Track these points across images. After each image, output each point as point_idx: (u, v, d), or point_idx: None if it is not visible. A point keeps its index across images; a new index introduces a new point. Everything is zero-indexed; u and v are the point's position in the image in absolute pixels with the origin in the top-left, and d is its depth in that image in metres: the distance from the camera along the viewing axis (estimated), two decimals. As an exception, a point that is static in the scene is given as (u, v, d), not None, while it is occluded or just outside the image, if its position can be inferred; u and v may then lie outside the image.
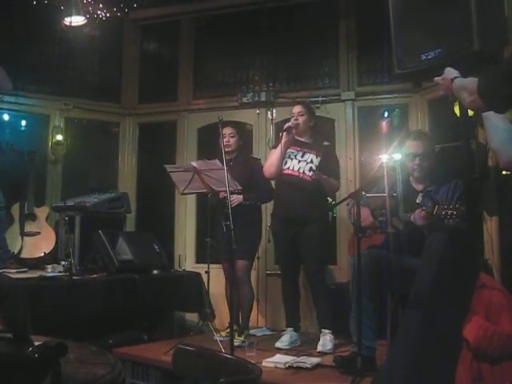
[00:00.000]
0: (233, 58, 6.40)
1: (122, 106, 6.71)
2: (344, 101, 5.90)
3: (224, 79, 6.44)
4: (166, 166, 4.05)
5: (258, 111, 6.14)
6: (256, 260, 5.72)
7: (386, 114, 5.89)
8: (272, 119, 6.03)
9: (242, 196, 4.60)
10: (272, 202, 4.86)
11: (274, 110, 6.04)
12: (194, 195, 6.11)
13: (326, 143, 4.65)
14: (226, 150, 4.60)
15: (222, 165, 3.76)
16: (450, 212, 3.00)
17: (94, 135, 6.64)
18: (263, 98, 6.06)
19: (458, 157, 3.74)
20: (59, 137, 6.13)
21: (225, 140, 4.66)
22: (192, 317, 5.73)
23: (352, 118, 5.88)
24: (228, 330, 4.55)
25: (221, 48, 6.46)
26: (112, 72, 6.74)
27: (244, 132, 5.06)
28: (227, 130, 4.77)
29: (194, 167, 3.91)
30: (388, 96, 5.76)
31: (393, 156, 3.76)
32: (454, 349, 2.26)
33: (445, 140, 4.67)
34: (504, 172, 4.89)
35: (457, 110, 5.10)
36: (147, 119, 6.71)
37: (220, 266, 5.00)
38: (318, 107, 5.83)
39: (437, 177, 3.78)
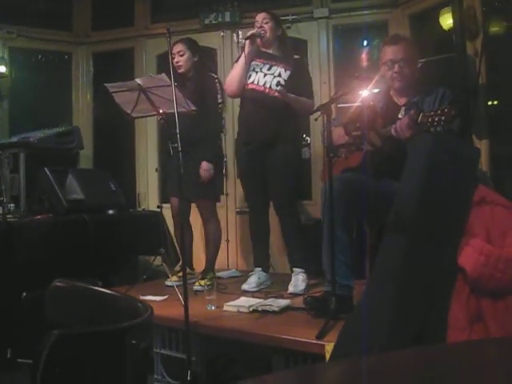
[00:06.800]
0: (193, -25, 5.75)
1: (74, 33, 6.08)
2: (317, 19, 5.32)
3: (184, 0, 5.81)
4: (106, 84, 3.47)
5: (222, 33, 5.56)
6: (225, 196, 5.28)
7: (365, 43, 5.38)
8: (238, 42, 5.45)
9: (210, 166, 4.09)
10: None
11: (240, 32, 5.43)
12: (155, 126, 5.68)
13: (296, 56, 4.08)
14: (179, 71, 4.12)
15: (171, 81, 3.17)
16: (437, 118, 2.47)
17: (44, 67, 6.03)
18: (228, 19, 5.47)
19: (447, 69, 3.27)
20: (2, 68, 5.53)
21: (174, 61, 4.10)
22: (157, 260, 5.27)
23: (326, 39, 5.33)
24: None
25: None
26: (61, -4, 6.04)
27: (199, 48, 4.45)
28: (176, 48, 4.17)
29: (139, 84, 3.34)
30: (365, 12, 5.20)
31: (373, 91, 3.23)
32: (446, 282, 1.77)
33: (429, 55, 4.22)
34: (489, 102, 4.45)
35: (443, 21, 4.61)
36: (102, 47, 6.08)
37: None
38: (288, 27, 5.26)
39: (421, 87, 3.24)
